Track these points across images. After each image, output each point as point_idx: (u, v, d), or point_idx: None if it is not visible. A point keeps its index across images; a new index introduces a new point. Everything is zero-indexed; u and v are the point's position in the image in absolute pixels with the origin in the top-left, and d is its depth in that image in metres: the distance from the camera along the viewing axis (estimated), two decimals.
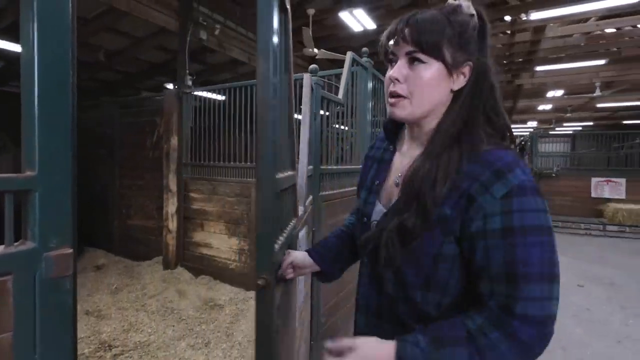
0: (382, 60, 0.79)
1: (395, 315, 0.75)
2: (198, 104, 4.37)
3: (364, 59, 2.89)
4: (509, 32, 6.14)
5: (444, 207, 0.66)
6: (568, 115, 12.52)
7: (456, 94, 0.73)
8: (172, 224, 4.27)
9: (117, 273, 4.27)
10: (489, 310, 0.62)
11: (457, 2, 0.72)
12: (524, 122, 15.63)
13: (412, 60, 0.71)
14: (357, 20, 4.92)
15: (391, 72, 0.74)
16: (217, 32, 4.83)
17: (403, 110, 0.73)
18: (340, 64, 3.31)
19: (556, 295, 0.61)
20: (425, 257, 0.68)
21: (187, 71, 4.34)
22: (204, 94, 4.38)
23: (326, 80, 2.94)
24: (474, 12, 0.72)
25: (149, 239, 4.65)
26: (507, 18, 5.70)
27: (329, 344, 0.65)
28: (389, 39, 0.75)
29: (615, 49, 6.77)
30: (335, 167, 2.65)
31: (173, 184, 4.28)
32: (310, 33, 4.78)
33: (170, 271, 4.18)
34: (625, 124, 14.09)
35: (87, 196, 5.11)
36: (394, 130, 0.86)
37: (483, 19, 0.73)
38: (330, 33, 6.22)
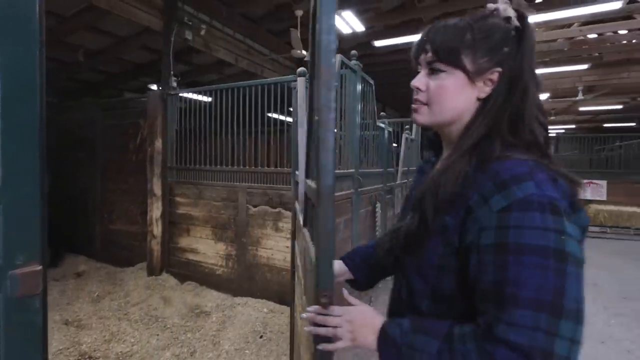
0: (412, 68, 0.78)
1: None
2: (184, 105, 4.29)
3: (353, 62, 2.87)
4: None
5: (446, 216, 0.65)
6: (552, 118, 12.81)
7: (484, 102, 0.70)
8: (157, 229, 4.16)
9: (99, 280, 4.13)
10: (477, 325, 0.59)
11: (494, 6, 0.69)
12: None
13: (433, 71, 0.71)
14: (346, 22, 4.91)
15: (413, 81, 0.75)
16: (202, 32, 4.74)
17: (423, 117, 0.75)
18: None
19: (565, 333, 0.53)
20: (430, 267, 0.68)
21: (172, 72, 4.25)
22: (190, 95, 4.29)
23: None
24: (510, 14, 0.68)
25: (133, 244, 4.52)
26: None
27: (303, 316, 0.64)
28: (413, 52, 0.76)
29: (597, 54, 6.95)
30: None
31: (157, 188, 4.17)
32: (299, 35, 4.74)
33: (155, 277, 4.06)
34: (606, 127, 14.52)
35: (67, 201, 4.95)
36: (437, 142, 0.83)
37: (523, 22, 0.68)
38: None
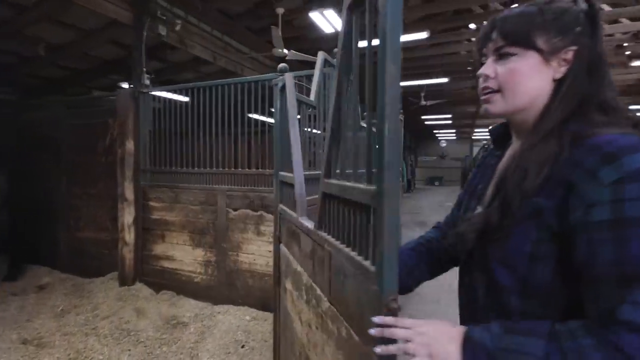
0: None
1: None
2: (158, 105, 4.06)
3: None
4: (473, 39, 6.32)
5: (539, 198, 0.59)
6: None
7: (559, 83, 0.66)
8: (129, 236, 3.90)
9: (64, 293, 3.82)
10: (586, 320, 0.53)
11: None
12: (487, 126, 16.42)
13: (502, 56, 0.68)
14: (328, 21, 4.81)
15: (480, 70, 0.71)
16: (177, 28, 4.51)
17: (496, 105, 0.70)
18: (310, 65, 3.18)
19: None
20: (520, 256, 0.60)
21: (144, 69, 4.00)
22: (165, 94, 4.06)
23: (297, 81, 2.79)
24: None
25: (102, 253, 4.22)
26: (472, 26, 5.86)
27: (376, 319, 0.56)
28: (478, 44, 0.74)
29: None
30: (307, 172, 2.49)
31: (129, 192, 3.92)
32: (280, 33, 4.60)
33: (127, 288, 3.80)
34: None
35: (29, 206, 4.57)
36: (503, 135, 0.80)
37: (592, 3, 0.67)
38: (300, 34, 6.07)
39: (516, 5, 0.71)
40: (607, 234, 0.51)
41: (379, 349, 0.55)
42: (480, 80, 0.72)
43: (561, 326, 0.52)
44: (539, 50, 0.65)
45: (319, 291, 0.99)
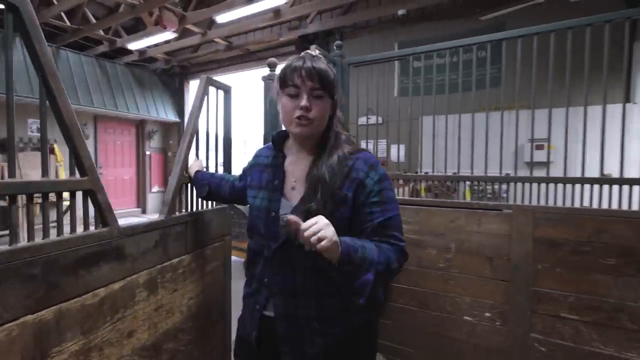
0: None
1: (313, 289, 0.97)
2: None
3: (336, 52, 2.62)
4: None
5: (344, 190, 0.95)
6: None
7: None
8: None
9: None
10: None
11: None
12: None
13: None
14: None
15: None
16: None
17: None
18: None
19: None
20: (343, 220, 0.96)
21: None
22: None
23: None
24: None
25: None
26: None
27: (290, 217, 0.80)
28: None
29: None
30: None
31: None
32: None
33: None
34: None
35: None
36: (281, 140, 1.11)
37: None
38: None
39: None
40: (378, 207, 0.95)
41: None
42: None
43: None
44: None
45: None
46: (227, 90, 1.78)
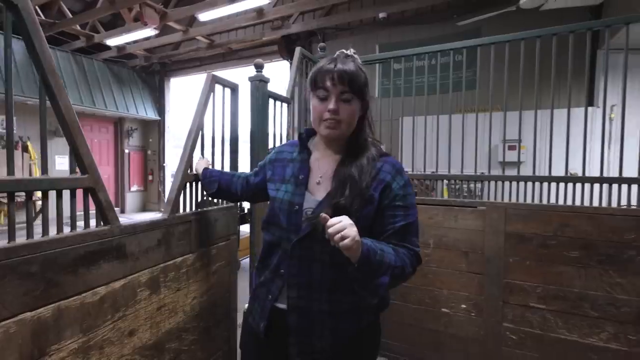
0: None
1: (329, 281, 0.99)
2: None
3: (320, 54, 2.69)
4: None
5: (371, 191, 0.97)
6: None
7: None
8: None
9: None
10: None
11: None
12: None
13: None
14: None
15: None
16: None
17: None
18: None
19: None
20: (367, 219, 0.99)
21: None
22: None
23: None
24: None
25: None
26: None
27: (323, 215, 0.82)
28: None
29: None
30: None
31: None
32: None
33: None
34: None
35: None
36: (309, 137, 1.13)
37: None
38: None
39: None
40: (401, 211, 0.98)
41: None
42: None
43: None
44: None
45: None
46: (234, 88, 1.75)
